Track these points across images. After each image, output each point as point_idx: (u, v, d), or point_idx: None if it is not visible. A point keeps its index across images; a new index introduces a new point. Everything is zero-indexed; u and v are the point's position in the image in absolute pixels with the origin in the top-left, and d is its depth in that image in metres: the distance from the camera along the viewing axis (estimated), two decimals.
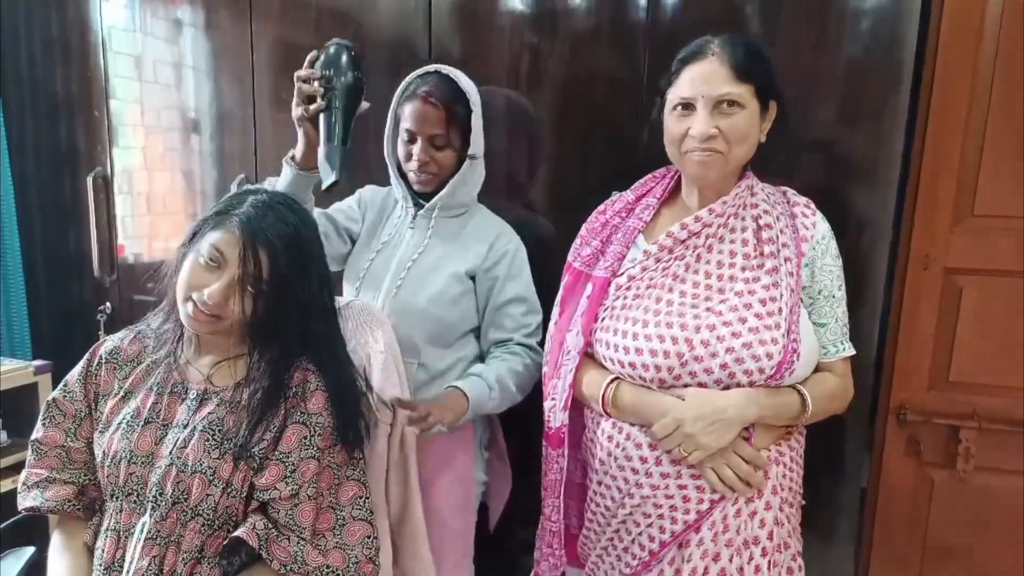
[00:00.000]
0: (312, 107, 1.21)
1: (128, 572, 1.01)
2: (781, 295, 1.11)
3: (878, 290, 1.43)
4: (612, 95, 1.54)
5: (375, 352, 1.29)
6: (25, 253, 2.21)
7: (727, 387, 1.09)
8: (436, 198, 1.39)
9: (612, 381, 1.16)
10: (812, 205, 1.21)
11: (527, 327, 1.41)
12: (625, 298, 1.17)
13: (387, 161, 1.44)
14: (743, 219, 1.16)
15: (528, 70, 1.60)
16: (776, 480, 1.12)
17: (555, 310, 1.29)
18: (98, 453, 1.08)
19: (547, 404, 1.25)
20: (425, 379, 1.38)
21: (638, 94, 1.50)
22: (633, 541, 1.17)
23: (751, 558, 1.11)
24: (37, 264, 2.22)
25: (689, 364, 1.08)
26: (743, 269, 1.13)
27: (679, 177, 1.23)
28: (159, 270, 1.12)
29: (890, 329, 1.48)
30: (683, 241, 1.16)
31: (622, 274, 1.19)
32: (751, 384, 1.08)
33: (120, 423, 1.07)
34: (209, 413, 1.05)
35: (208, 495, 1.01)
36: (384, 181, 1.49)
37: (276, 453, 1.03)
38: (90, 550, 1.09)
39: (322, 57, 1.22)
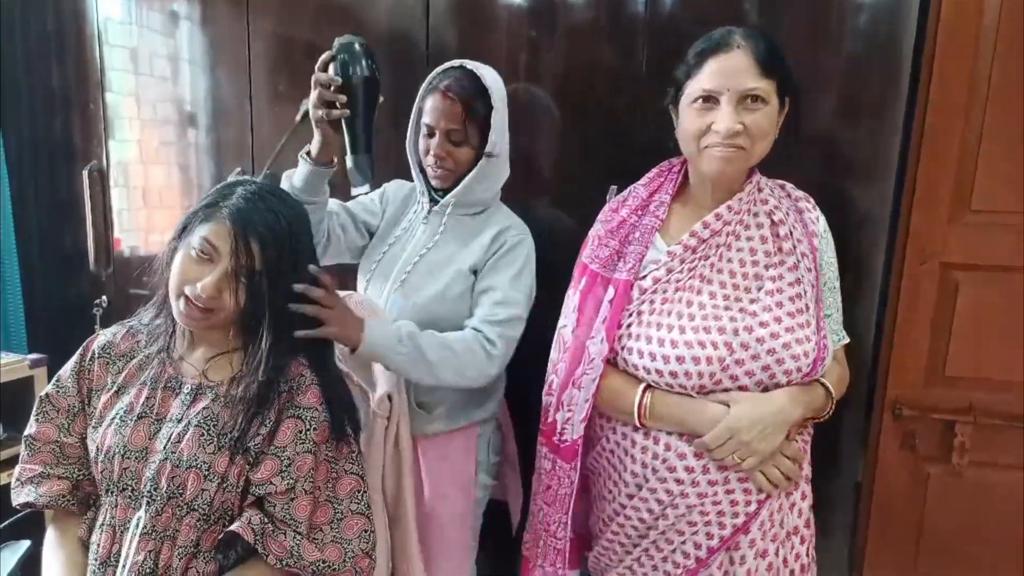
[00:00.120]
0: (335, 113, 1.19)
1: (124, 567, 1.01)
2: (805, 291, 1.11)
3: (875, 285, 1.43)
4: (611, 88, 1.53)
5: None
6: (21, 247, 2.20)
7: (765, 388, 1.09)
8: (450, 195, 1.37)
9: (645, 390, 1.12)
10: (811, 199, 1.21)
11: (493, 316, 1.30)
12: (652, 302, 1.13)
13: (408, 155, 1.42)
14: (757, 215, 1.15)
15: (526, 63, 1.59)
16: (806, 470, 1.16)
17: (570, 316, 1.21)
18: (92, 448, 1.08)
19: (560, 415, 1.18)
20: None
21: (637, 87, 1.50)
22: (674, 551, 1.14)
23: (793, 547, 1.15)
24: (33, 258, 2.21)
25: (731, 368, 1.07)
26: (766, 267, 1.12)
27: (685, 171, 1.21)
28: (153, 264, 1.12)
29: (887, 324, 1.48)
30: (705, 240, 1.13)
31: (645, 276, 1.14)
32: (788, 383, 1.09)
33: (113, 418, 1.07)
34: (204, 408, 1.05)
35: (203, 490, 1.01)
36: (410, 176, 1.47)
37: (272, 448, 1.03)
38: (85, 545, 1.08)
39: (338, 58, 1.19)
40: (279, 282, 1.04)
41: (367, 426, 1.28)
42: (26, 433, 1.12)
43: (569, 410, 1.17)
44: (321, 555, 1.03)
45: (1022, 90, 1.36)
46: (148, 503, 1.02)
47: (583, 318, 1.18)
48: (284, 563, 1.01)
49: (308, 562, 1.01)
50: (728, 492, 1.09)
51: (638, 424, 1.13)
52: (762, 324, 1.07)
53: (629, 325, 1.13)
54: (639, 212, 1.20)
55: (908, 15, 1.35)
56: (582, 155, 1.58)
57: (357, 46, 1.19)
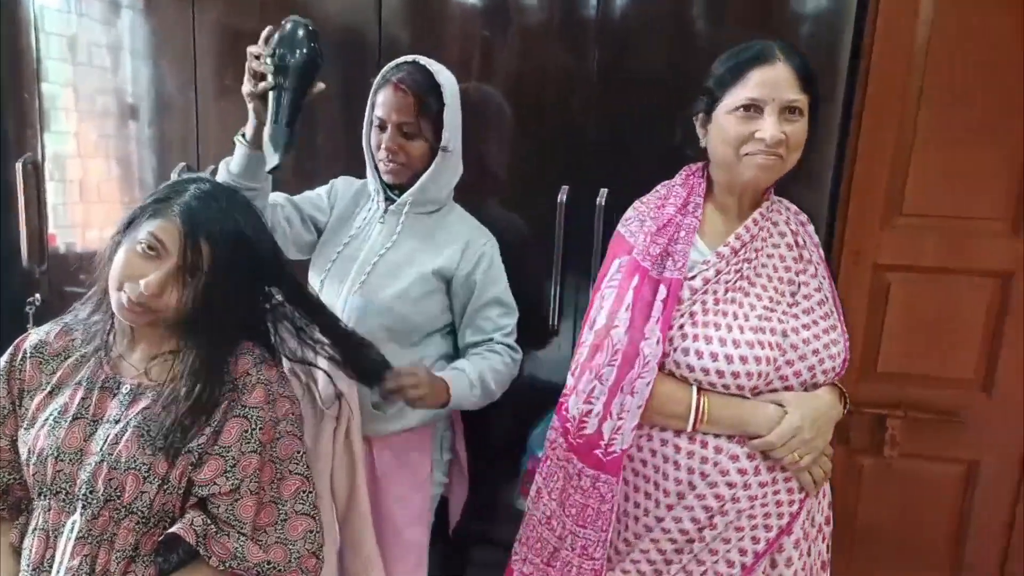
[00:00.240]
0: (261, 85, 1.16)
1: (58, 572, 0.98)
2: (826, 296, 1.17)
3: None
4: (563, 88, 1.55)
5: None
6: None
7: (806, 388, 1.13)
8: (407, 194, 1.36)
9: (700, 393, 1.10)
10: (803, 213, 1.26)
11: (504, 328, 1.40)
12: (704, 303, 1.11)
13: (364, 153, 1.40)
14: (777, 224, 1.19)
15: (479, 62, 1.59)
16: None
17: (623, 316, 1.11)
18: (23, 451, 1.04)
19: (607, 426, 1.09)
20: None
21: (588, 88, 1.52)
22: (718, 561, 1.11)
23: (824, 539, 1.20)
24: None
25: (782, 368, 1.10)
26: (796, 273, 1.16)
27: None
28: (92, 260, 1.08)
29: None
30: (746, 244, 1.15)
31: (694, 276, 1.12)
32: (825, 383, 1.14)
33: (47, 419, 1.03)
34: (144, 408, 1.02)
35: (143, 492, 0.98)
36: (360, 173, 1.45)
37: (216, 448, 1.01)
38: (17, 551, 1.05)
39: (277, 33, 1.17)
40: (227, 285, 1.02)
41: (314, 425, 1.27)
42: None
43: (620, 418, 1.09)
44: (266, 556, 1.01)
45: (953, 97, 1.43)
46: (84, 506, 0.99)
47: (637, 318, 1.11)
48: (227, 565, 0.99)
49: (252, 563, 1.00)
50: (775, 493, 1.10)
51: (692, 428, 1.09)
52: (804, 326, 1.12)
53: (682, 326, 1.10)
54: (683, 211, 1.17)
55: (846, 23, 1.41)
56: (534, 155, 1.59)
57: (300, 27, 1.17)
